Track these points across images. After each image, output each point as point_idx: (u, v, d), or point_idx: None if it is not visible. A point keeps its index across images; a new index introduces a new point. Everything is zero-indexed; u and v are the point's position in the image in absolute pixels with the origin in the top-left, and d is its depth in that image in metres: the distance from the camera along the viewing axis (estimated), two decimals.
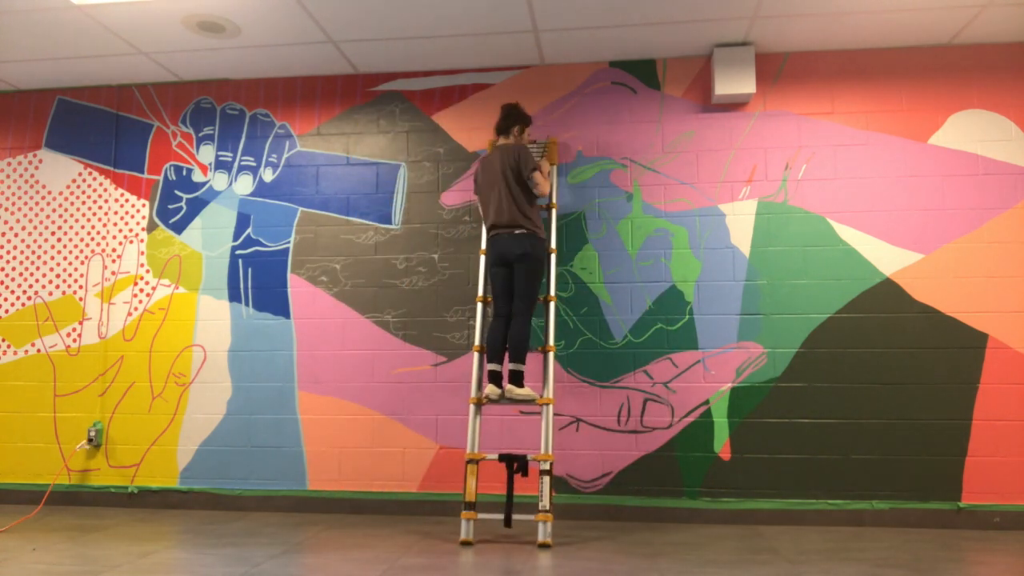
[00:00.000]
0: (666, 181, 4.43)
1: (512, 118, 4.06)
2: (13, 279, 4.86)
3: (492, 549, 3.55)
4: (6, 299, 4.86)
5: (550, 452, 3.70)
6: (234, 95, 4.84)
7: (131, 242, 4.79)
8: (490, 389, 3.84)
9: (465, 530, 3.65)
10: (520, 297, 3.88)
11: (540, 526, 3.58)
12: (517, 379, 3.84)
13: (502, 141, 4.08)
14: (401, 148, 4.66)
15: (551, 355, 3.90)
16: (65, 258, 4.83)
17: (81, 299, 4.78)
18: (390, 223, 4.61)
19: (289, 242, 4.67)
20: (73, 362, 4.74)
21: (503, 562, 3.29)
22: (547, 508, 3.60)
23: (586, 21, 4.09)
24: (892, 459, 4.09)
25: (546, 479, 3.64)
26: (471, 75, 4.66)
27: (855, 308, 4.21)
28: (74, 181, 4.88)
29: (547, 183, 3.98)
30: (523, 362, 3.85)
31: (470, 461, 3.75)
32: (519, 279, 3.89)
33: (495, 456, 3.75)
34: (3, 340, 4.82)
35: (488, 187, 4.00)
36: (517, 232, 3.87)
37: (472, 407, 3.87)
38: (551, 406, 3.80)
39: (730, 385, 4.23)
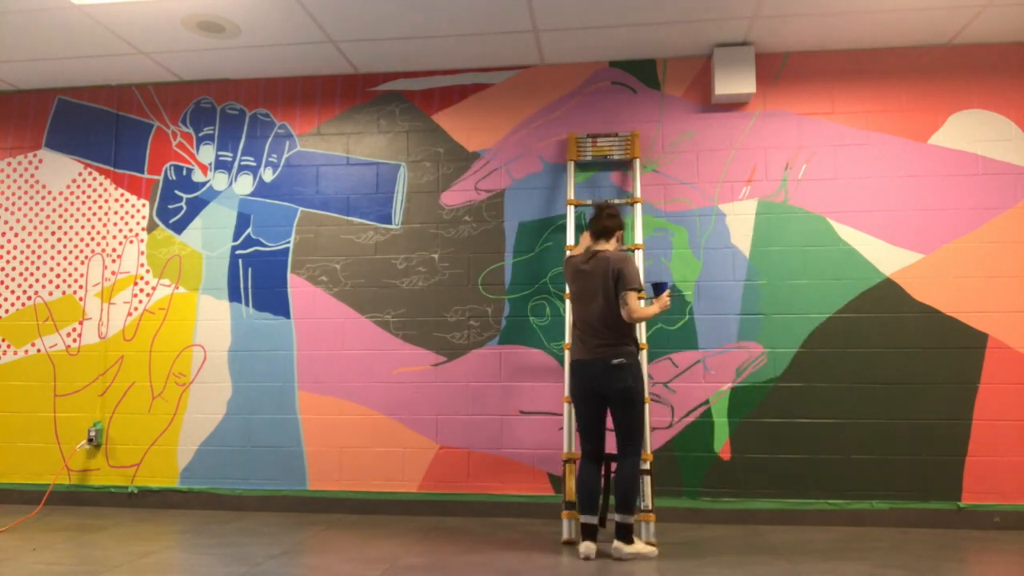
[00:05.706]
0: (666, 181, 4.43)
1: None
2: (13, 279, 4.86)
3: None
4: (6, 299, 4.85)
5: (649, 453, 3.78)
6: (234, 95, 4.84)
7: (131, 242, 4.78)
8: (584, 547, 3.36)
9: (567, 530, 3.68)
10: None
11: (643, 526, 3.64)
12: (625, 534, 3.35)
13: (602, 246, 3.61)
14: (401, 148, 4.66)
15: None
16: (65, 258, 4.82)
17: (81, 299, 4.78)
18: (390, 223, 4.61)
19: (289, 242, 4.66)
20: (73, 362, 4.74)
21: (503, 562, 3.29)
22: (649, 508, 3.65)
23: (586, 21, 4.09)
24: (892, 459, 4.09)
25: (646, 479, 3.69)
26: (471, 75, 4.66)
27: (855, 308, 4.21)
28: (74, 181, 4.88)
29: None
30: (631, 513, 3.35)
31: (567, 461, 3.81)
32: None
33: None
34: (3, 340, 4.82)
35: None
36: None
37: (566, 406, 3.91)
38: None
39: (730, 385, 4.23)
